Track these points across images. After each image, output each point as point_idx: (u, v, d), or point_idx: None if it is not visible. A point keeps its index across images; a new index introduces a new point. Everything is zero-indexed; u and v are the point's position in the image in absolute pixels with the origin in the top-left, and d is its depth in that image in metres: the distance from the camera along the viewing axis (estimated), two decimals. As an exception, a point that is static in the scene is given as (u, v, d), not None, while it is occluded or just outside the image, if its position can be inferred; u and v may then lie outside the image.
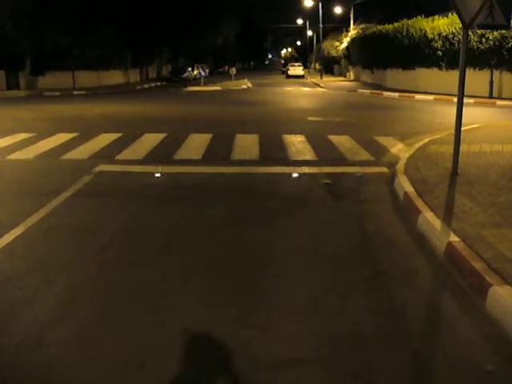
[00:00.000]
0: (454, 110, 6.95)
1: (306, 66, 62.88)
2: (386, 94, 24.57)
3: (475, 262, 3.93)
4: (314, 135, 11.10)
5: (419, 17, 25.83)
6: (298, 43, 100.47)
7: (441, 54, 23.03)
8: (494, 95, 19.92)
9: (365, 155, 8.94)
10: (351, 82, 36.10)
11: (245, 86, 33.30)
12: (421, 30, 24.45)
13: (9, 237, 4.89)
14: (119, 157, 8.84)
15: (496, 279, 3.60)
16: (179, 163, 8.35)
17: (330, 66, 50.65)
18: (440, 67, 23.28)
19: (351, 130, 11.88)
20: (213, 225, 5.40)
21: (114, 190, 6.85)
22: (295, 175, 7.56)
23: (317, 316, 3.46)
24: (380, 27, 30.98)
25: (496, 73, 20.12)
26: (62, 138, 10.78)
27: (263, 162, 8.45)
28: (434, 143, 9.34)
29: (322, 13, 46.02)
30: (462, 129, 6.84)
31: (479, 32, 19.16)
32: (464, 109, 6.70)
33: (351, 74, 41.40)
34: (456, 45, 21.32)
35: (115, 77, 35.90)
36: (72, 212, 5.84)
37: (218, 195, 6.62)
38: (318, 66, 59.67)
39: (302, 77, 48.61)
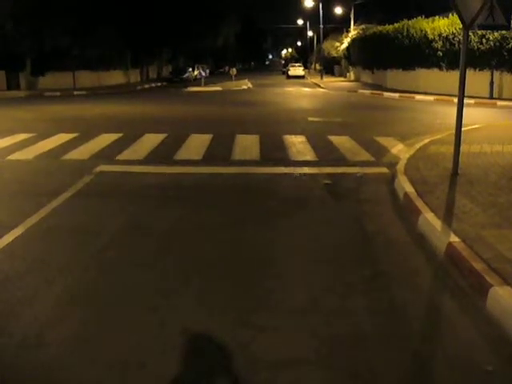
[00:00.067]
0: (454, 110, 6.96)
1: (306, 67, 62.83)
2: (386, 94, 24.56)
3: (475, 262, 3.93)
4: (315, 135, 11.10)
5: (419, 17, 25.83)
6: (299, 43, 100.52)
7: (441, 54, 23.03)
8: (494, 96, 19.92)
9: (365, 156, 8.94)
10: (351, 83, 36.10)
11: (245, 87, 33.30)
12: (421, 31, 24.46)
13: (9, 237, 4.90)
14: (119, 157, 8.84)
15: (496, 280, 3.60)
16: (179, 163, 8.35)
17: (330, 67, 50.64)
18: (440, 68, 23.28)
19: (351, 130, 11.88)
20: (213, 225, 5.40)
21: (115, 190, 6.85)
22: (295, 175, 7.56)
23: (317, 316, 3.46)
24: (380, 28, 31.00)
25: (496, 73, 20.11)
26: (62, 138, 10.78)
27: (263, 162, 8.45)
28: (435, 143, 9.34)
29: (323, 13, 46.08)
30: (463, 129, 6.84)
31: (479, 32, 19.16)
32: (464, 109, 6.70)
33: (351, 75, 41.39)
34: (456, 45, 21.32)
35: (115, 77, 35.92)
36: (72, 212, 5.85)
37: (218, 195, 6.62)
38: (318, 67, 59.68)
39: (302, 77, 48.62)
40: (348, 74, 43.03)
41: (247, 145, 10.00)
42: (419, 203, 5.54)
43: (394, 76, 28.11)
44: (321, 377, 2.82)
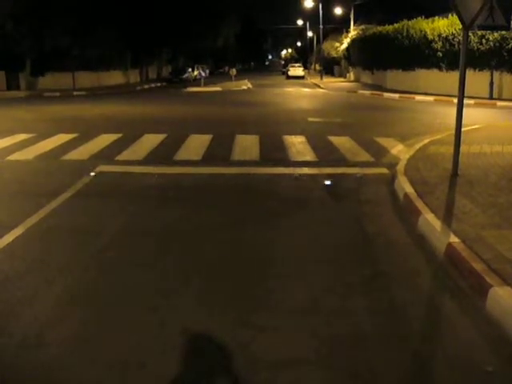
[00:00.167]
0: (454, 110, 6.96)
1: (306, 67, 62.87)
2: (386, 94, 24.57)
3: (475, 262, 3.93)
4: (315, 136, 11.10)
5: (419, 18, 25.85)
6: (298, 44, 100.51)
7: (441, 54, 23.05)
8: (494, 96, 19.93)
9: (365, 156, 8.94)
10: (351, 83, 36.11)
11: (245, 87, 33.30)
12: (421, 31, 24.47)
13: (9, 237, 4.90)
14: (119, 157, 8.84)
15: (496, 280, 3.60)
16: (179, 164, 8.35)
17: (330, 67, 50.64)
18: (440, 68, 23.29)
19: (351, 130, 11.88)
20: (213, 225, 5.40)
21: (114, 190, 6.85)
22: (295, 176, 7.56)
23: (317, 316, 3.46)
24: (380, 28, 31.02)
25: (496, 74, 20.13)
26: (61, 138, 10.78)
27: (263, 162, 8.45)
28: (434, 144, 9.35)
29: (322, 14, 46.11)
30: (462, 130, 6.84)
31: (479, 33, 19.18)
32: (464, 110, 6.70)
33: (351, 75, 41.40)
34: (456, 46, 21.34)
35: (115, 77, 35.91)
36: (72, 212, 5.85)
37: (217, 196, 6.63)
38: (318, 67, 59.67)
39: (302, 78, 48.65)
40: (348, 75, 43.03)
41: (247, 145, 10.00)
42: (419, 204, 5.54)
43: (394, 76, 28.12)
44: (321, 377, 2.82)
